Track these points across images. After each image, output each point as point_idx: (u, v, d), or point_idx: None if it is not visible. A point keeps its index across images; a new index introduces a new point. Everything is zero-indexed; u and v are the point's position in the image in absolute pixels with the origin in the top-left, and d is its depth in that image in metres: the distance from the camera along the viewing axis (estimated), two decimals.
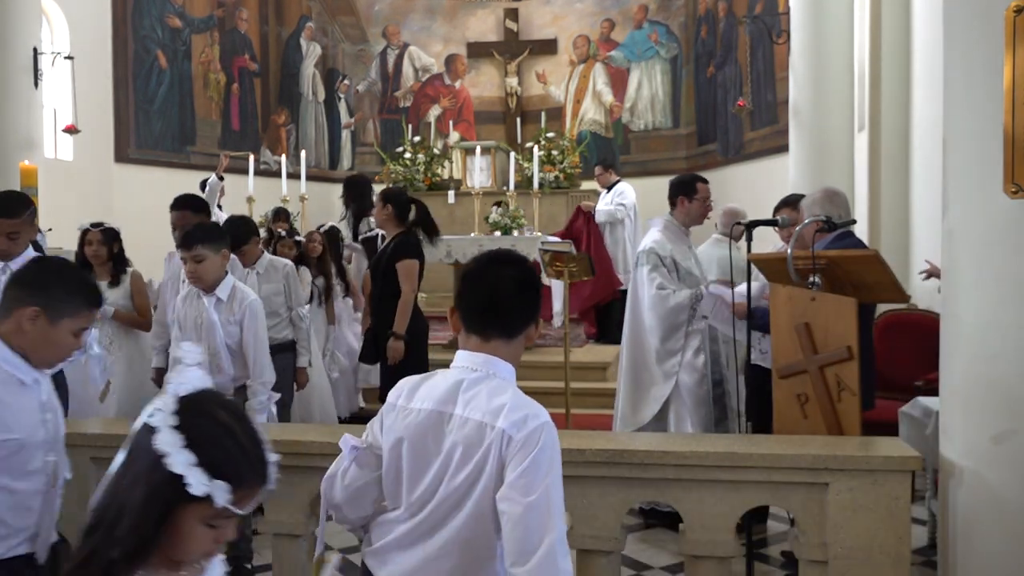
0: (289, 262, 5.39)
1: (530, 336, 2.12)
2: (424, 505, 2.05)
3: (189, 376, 1.44)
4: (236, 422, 1.43)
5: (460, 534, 2.01)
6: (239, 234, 4.98)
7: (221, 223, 8.18)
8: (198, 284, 4.04)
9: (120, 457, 1.43)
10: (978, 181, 2.79)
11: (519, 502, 1.90)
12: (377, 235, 6.53)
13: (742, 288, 4.12)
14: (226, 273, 4.14)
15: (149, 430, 1.39)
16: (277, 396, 4.18)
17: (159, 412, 1.39)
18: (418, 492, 2.05)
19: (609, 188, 9.39)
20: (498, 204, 9.46)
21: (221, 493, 1.35)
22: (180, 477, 1.34)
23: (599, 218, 9.11)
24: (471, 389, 2.02)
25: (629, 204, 9.26)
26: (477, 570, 2.02)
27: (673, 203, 4.88)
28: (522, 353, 2.14)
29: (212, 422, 1.40)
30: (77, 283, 2.44)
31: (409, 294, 5.17)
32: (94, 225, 4.98)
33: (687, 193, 4.83)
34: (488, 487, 1.96)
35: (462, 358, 2.10)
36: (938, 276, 5.06)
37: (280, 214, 7.57)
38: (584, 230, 9.09)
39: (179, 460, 1.35)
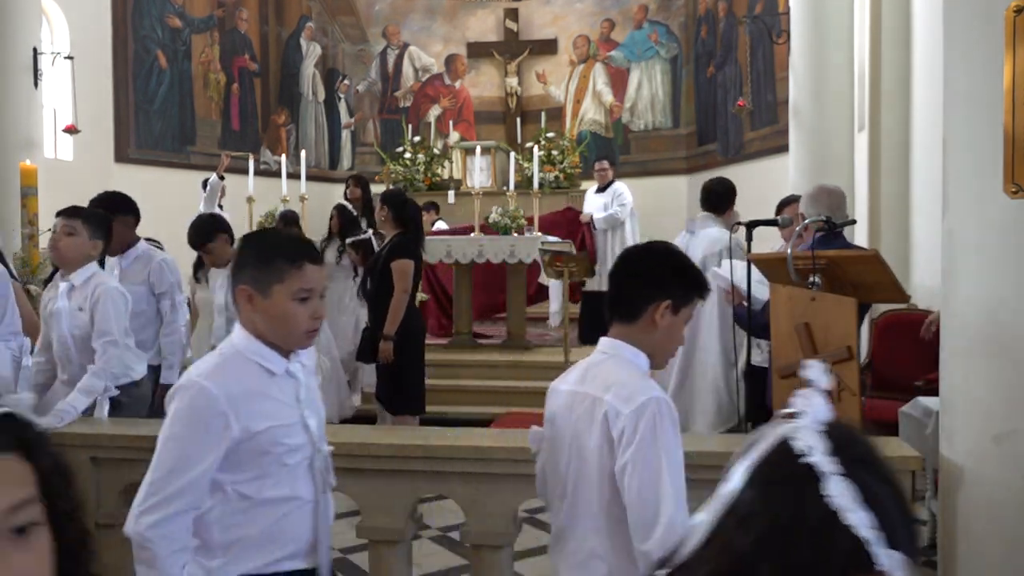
0: None
1: (656, 321, 2.12)
2: (566, 483, 2.15)
3: (818, 404, 1.09)
4: (892, 474, 1.07)
5: (587, 509, 2.08)
6: (204, 231, 4.85)
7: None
8: (54, 253, 3.82)
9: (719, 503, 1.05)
10: (978, 181, 2.79)
11: (634, 477, 1.96)
12: (369, 238, 6.61)
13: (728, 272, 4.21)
14: (95, 263, 3.84)
15: (797, 471, 1.01)
16: (112, 390, 3.69)
17: (810, 449, 1.03)
18: (560, 470, 2.17)
19: (605, 187, 9.37)
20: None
21: (899, 569, 1.00)
22: (860, 542, 0.99)
23: (600, 226, 9.10)
24: (595, 368, 2.16)
25: (629, 204, 9.25)
26: (609, 546, 2.07)
27: (729, 206, 5.07)
28: (661, 339, 2.16)
29: (876, 474, 1.04)
30: (273, 243, 2.18)
31: (401, 294, 5.20)
32: None
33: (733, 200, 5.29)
34: (598, 461, 2.04)
35: (599, 344, 2.22)
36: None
37: (289, 218, 7.29)
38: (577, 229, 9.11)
39: (860, 520, 1.00)
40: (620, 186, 9.36)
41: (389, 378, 5.30)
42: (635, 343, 2.14)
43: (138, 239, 4.62)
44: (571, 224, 9.17)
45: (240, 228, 7.32)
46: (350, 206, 7.61)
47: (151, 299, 4.52)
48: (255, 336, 2.13)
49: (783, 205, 5.14)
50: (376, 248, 6.48)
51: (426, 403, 5.47)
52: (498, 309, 8.81)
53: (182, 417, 2.04)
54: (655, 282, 2.15)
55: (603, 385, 2.06)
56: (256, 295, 2.09)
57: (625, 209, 9.15)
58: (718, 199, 5.14)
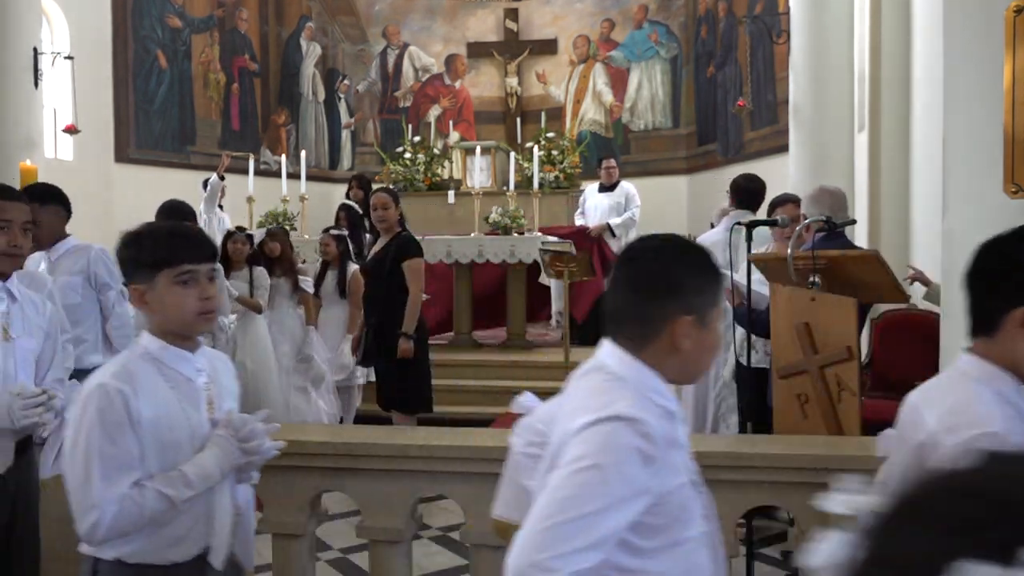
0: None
1: (1014, 332, 1.69)
2: None
3: None
4: None
5: None
6: (183, 213, 4.73)
7: (223, 223, 8.25)
8: None
9: None
10: (978, 181, 2.79)
11: None
12: (345, 234, 6.56)
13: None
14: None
15: None
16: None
17: None
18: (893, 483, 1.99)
19: (612, 186, 9.35)
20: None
21: None
22: None
23: (619, 232, 9.08)
24: (941, 385, 1.88)
25: (639, 205, 9.27)
26: None
27: (761, 203, 5.23)
28: None
29: None
30: (708, 256, 1.67)
31: (418, 293, 5.23)
32: None
33: None
34: None
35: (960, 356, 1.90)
36: (923, 282, 5.11)
37: (277, 236, 6.38)
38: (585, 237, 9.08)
39: None
40: (630, 187, 9.35)
41: (398, 378, 5.30)
42: (996, 361, 1.74)
43: (67, 235, 4.29)
44: (582, 241, 9.12)
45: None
46: (357, 206, 7.64)
47: (88, 291, 4.24)
48: (654, 368, 1.62)
49: (776, 205, 5.15)
50: (349, 248, 6.48)
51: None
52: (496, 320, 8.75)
53: (599, 449, 1.49)
54: (1005, 284, 1.71)
55: (939, 407, 1.76)
56: (697, 325, 1.59)
57: (638, 211, 9.16)
58: (750, 196, 5.21)
